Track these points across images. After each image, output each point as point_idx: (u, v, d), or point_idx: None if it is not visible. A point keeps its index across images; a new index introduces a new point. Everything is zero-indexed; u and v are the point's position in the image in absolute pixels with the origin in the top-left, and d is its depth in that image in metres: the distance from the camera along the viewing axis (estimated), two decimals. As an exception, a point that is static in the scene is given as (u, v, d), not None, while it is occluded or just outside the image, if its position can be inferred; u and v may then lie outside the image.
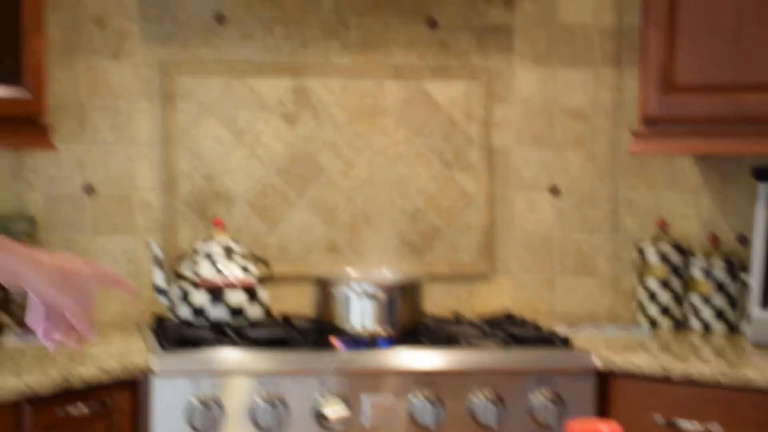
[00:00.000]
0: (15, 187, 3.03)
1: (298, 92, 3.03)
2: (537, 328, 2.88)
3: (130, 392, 2.54)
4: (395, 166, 3.09)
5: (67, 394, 2.40)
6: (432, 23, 3.08)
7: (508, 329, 2.80)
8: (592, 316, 3.19)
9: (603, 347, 2.71)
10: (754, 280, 2.84)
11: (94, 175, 3.02)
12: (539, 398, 2.59)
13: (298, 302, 2.97)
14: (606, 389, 2.65)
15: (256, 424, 2.49)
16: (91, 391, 2.46)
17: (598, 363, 2.62)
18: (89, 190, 3.01)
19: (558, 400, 2.58)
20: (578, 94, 3.20)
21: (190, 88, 3.02)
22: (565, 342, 2.70)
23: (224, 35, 3.02)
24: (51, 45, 2.85)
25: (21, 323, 2.84)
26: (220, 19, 3.01)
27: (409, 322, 2.77)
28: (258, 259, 2.90)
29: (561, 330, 2.86)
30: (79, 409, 2.44)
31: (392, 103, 3.08)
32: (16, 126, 2.73)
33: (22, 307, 2.78)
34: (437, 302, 3.05)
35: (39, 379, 2.36)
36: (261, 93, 3.04)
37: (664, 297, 3.07)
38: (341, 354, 2.61)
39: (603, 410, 2.65)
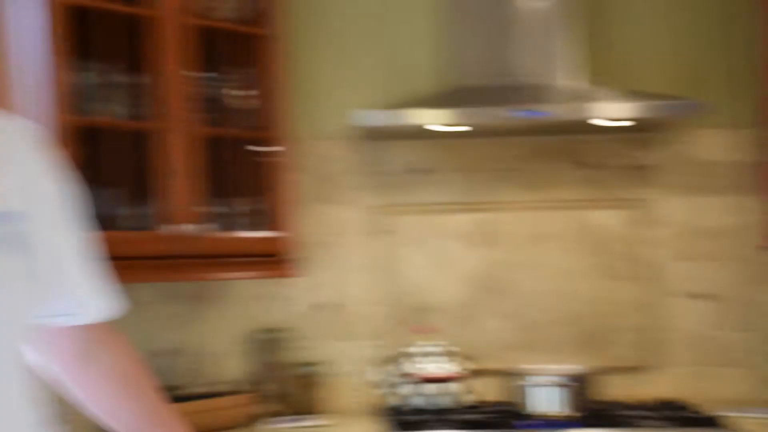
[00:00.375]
0: (267, 306, 3.18)
1: (481, 224, 3.16)
2: (696, 411, 2.82)
3: None
4: (565, 281, 3.18)
5: None
6: (583, 165, 3.18)
7: (674, 413, 2.77)
8: (746, 403, 3.07)
9: (759, 429, 2.63)
10: None
11: (326, 295, 3.18)
12: None
13: (491, 391, 3.04)
14: None
15: None
16: None
17: None
18: (326, 306, 3.15)
19: None
20: (719, 218, 3.23)
21: (398, 225, 3.16)
22: (727, 424, 2.60)
23: (420, 183, 3.15)
24: (294, 198, 3.00)
25: (293, 412, 2.98)
26: (416, 171, 3.17)
27: (587, 408, 2.77)
28: (462, 357, 2.97)
29: (720, 413, 2.77)
30: None
31: (557, 230, 3.19)
32: (266, 260, 2.83)
33: (283, 396, 2.98)
34: (609, 391, 3.04)
35: None
36: (452, 226, 3.15)
37: None
38: None
39: None
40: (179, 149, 2.56)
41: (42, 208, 1.32)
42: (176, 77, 2.59)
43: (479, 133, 3.02)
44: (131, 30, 2.57)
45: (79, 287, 1.39)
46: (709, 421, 2.64)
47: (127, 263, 2.44)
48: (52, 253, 1.34)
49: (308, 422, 2.90)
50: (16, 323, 1.27)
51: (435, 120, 2.75)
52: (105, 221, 2.54)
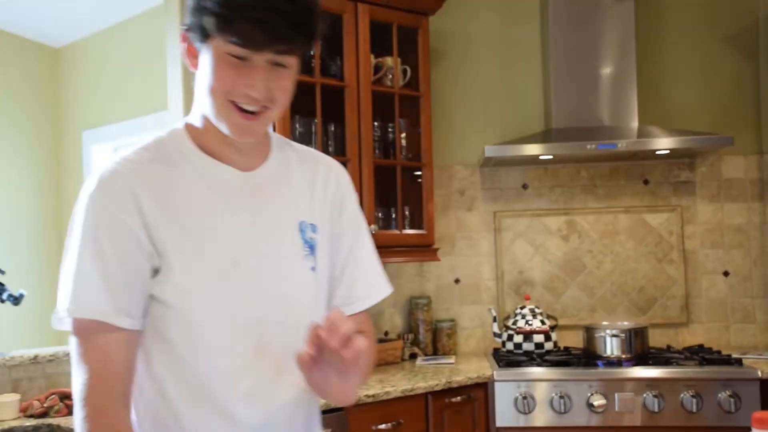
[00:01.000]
0: (420, 280, 3.59)
1: (569, 223, 3.59)
2: (720, 353, 3.19)
3: (483, 390, 2.96)
4: (627, 263, 3.57)
5: (450, 390, 2.86)
6: (646, 182, 3.58)
7: (703, 355, 3.14)
8: (755, 348, 3.44)
9: (764, 365, 2.97)
10: None
11: (460, 273, 3.61)
12: (724, 396, 2.86)
13: (574, 340, 3.47)
14: (767, 391, 2.86)
15: (553, 409, 2.91)
16: (463, 389, 2.90)
17: (760, 374, 2.87)
18: (457, 281, 3.61)
19: (736, 397, 2.84)
20: (737, 218, 3.55)
21: (509, 224, 3.61)
22: (740, 362, 2.99)
23: (527, 195, 3.59)
24: (436, 206, 3.47)
25: (426, 353, 3.36)
26: (524, 186, 3.61)
27: (641, 351, 3.12)
28: (549, 316, 3.41)
29: (735, 355, 3.15)
30: (457, 398, 2.89)
31: (624, 227, 3.57)
32: (420, 249, 3.29)
33: (426, 342, 3.41)
34: (656, 340, 3.46)
35: (436, 382, 2.84)
36: (548, 225, 3.59)
37: None
38: (601, 370, 2.98)
39: (765, 405, 2.81)
40: (365, 174, 3.04)
41: (343, 225, 1.36)
42: (360, 126, 3.06)
43: (569, 159, 3.43)
44: (325, 95, 2.95)
45: (369, 274, 1.41)
46: (728, 360, 3.00)
47: None
48: (350, 254, 1.37)
49: (444, 360, 3.29)
50: (315, 310, 1.28)
51: (536, 152, 3.21)
52: None
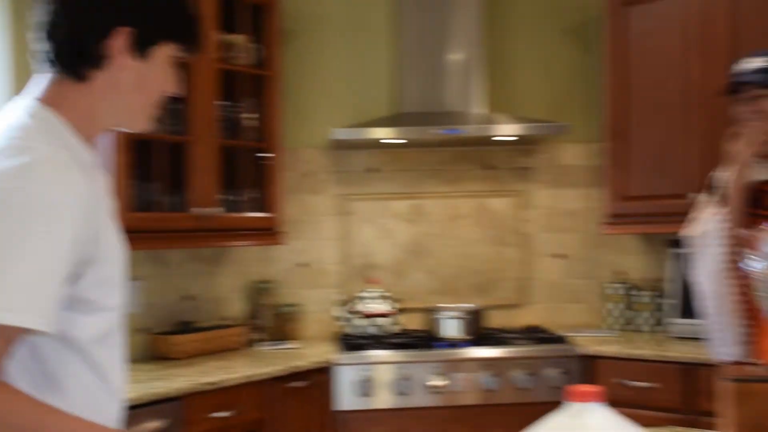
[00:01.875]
0: (264, 264, 3.56)
1: (415, 207, 3.70)
2: (551, 333, 3.36)
3: (326, 374, 3.02)
4: (470, 246, 3.73)
5: (293, 376, 2.91)
6: (490, 167, 3.73)
7: (536, 334, 3.31)
8: (583, 326, 3.63)
9: (590, 342, 3.19)
10: (673, 302, 3.29)
11: (306, 257, 3.65)
12: (554, 372, 3.06)
13: (417, 322, 3.55)
14: (592, 366, 3.08)
15: (394, 391, 3.02)
16: (305, 373, 2.94)
17: (586, 351, 3.09)
18: (303, 265, 3.65)
19: (565, 372, 3.05)
20: (572, 203, 3.75)
21: (357, 208, 3.67)
22: (569, 340, 3.18)
23: (374, 178, 3.69)
24: (283, 189, 3.41)
25: (269, 338, 3.37)
26: (371, 170, 3.69)
27: (479, 332, 3.27)
28: (394, 299, 3.49)
29: (566, 333, 3.32)
30: (299, 383, 2.92)
31: (467, 211, 3.72)
32: (265, 232, 3.31)
33: (269, 328, 3.42)
34: (494, 321, 3.57)
35: (278, 368, 2.88)
36: (394, 209, 3.69)
37: (623, 313, 3.56)
38: (441, 351, 3.12)
39: (590, 379, 3.03)
40: (205, 155, 3.02)
41: None
42: (204, 105, 3.05)
43: (415, 144, 3.53)
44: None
45: None
46: (559, 339, 3.19)
47: (167, 235, 2.92)
48: None
49: (286, 345, 3.32)
50: None
51: (384, 135, 3.30)
52: (152, 205, 2.93)
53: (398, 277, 3.70)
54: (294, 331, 3.57)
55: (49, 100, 1.24)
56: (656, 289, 3.51)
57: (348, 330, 3.40)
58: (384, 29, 3.67)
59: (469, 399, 3.08)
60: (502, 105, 3.60)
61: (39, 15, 1.24)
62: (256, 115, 3.34)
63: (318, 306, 3.65)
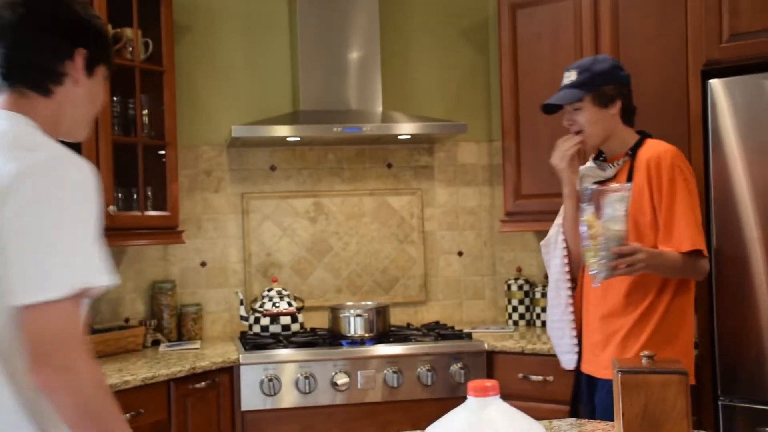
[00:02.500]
0: (163, 264, 3.59)
1: (316, 205, 3.73)
2: (453, 329, 3.42)
3: (229, 374, 3.01)
4: (372, 244, 3.78)
5: (194, 377, 2.88)
6: (389, 165, 3.79)
7: (438, 331, 3.35)
8: (483, 322, 3.77)
9: (490, 338, 3.26)
10: None
11: (206, 256, 3.64)
12: (455, 368, 3.10)
13: (320, 321, 3.59)
14: (492, 361, 3.14)
15: (298, 390, 3.02)
16: (207, 374, 2.92)
17: (486, 347, 3.14)
18: (203, 264, 3.64)
19: (466, 368, 3.09)
20: (471, 201, 3.84)
21: (257, 206, 3.68)
22: (470, 336, 3.25)
23: (275, 177, 3.69)
24: (181, 187, 3.46)
25: (170, 339, 3.35)
26: (272, 168, 3.70)
27: (382, 330, 3.29)
28: (297, 298, 3.51)
29: (467, 330, 3.41)
30: (201, 384, 2.91)
31: (369, 209, 3.78)
32: (163, 231, 3.31)
33: (169, 328, 3.40)
34: (397, 318, 3.68)
35: (179, 369, 2.85)
36: (296, 207, 3.71)
37: (521, 309, 3.66)
38: (345, 349, 3.14)
39: (490, 374, 3.12)
40: (102, 152, 2.99)
41: None
42: None
43: (315, 142, 3.55)
44: None
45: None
46: (461, 335, 3.23)
47: None
48: None
49: (189, 346, 3.29)
50: None
51: (283, 133, 3.29)
52: None
53: (301, 275, 3.72)
54: (196, 331, 3.55)
55: (21, 111, 1.41)
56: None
57: (251, 329, 3.40)
58: (282, 25, 3.66)
59: (373, 396, 3.10)
60: (400, 103, 3.64)
61: None
62: (152, 112, 3.32)
63: (220, 306, 3.65)
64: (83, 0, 1.49)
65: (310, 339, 3.24)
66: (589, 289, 2.40)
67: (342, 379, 3.06)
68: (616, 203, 2.04)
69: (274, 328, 3.34)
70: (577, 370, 2.44)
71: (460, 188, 3.84)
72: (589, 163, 2.47)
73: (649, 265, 2.16)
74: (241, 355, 3.04)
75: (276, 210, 3.70)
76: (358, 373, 3.08)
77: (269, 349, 3.10)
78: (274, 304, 3.36)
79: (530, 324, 3.67)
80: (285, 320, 3.35)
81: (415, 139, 3.59)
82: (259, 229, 3.69)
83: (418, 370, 3.12)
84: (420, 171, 3.81)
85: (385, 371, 3.10)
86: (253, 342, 3.21)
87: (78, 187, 1.30)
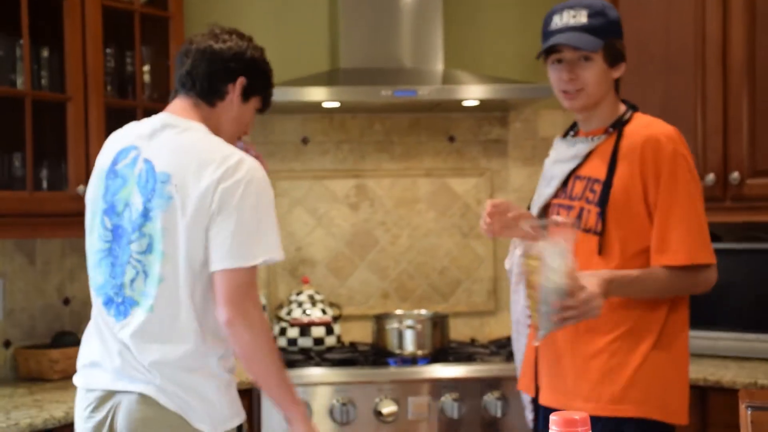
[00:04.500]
0: None
1: (359, 188, 3.63)
2: None
3: (246, 399, 2.83)
4: (427, 238, 3.66)
5: None
6: (451, 139, 3.67)
7: (510, 349, 3.09)
8: None
9: None
10: None
11: None
12: None
13: (361, 333, 3.50)
14: None
15: (334, 420, 2.95)
16: None
17: None
18: None
19: None
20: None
21: (286, 188, 3.59)
22: None
23: (308, 152, 3.59)
24: None
25: None
26: (305, 141, 3.59)
27: (440, 346, 3.22)
28: (333, 304, 3.41)
29: None
30: None
31: (424, 194, 3.67)
32: None
33: None
34: (459, 332, 3.55)
35: None
36: (333, 190, 3.61)
37: None
38: (392, 369, 3.06)
39: None
40: (92, 117, 2.88)
41: None
42: (86, 53, 2.88)
43: (360, 108, 3.45)
44: (35, 5, 2.80)
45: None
46: None
47: (38, 220, 2.79)
48: None
49: None
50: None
51: (319, 97, 3.18)
52: (15, 182, 2.83)
53: (338, 276, 3.64)
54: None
55: (198, 119, 2.07)
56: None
57: (275, 342, 3.12)
58: (318, -36, 3.59)
59: (427, 428, 3.03)
60: (466, 62, 3.52)
61: (184, 62, 2.09)
62: (152, 67, 3.23)
63: None
64: (259, 47, 2.18)
65: (348, 356, 3.19)
66: None
67: (388, 408, 2.99)
68: (556, 256, 1.98)
69: (304, 342, 3.29)
70: (535, 403, 2.35)
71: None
72: (557, 140, 2.43)
73: (618, 297, 2.12)
74: (262, 375, 2.93)
75: (309, 193, 3.61)
76: (409, 399, 3.01)
77: (298, 367, 3.04)
78: (304, 312, 3.31)
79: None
80: (318, 332, 3.30)
81: (484, 105, 3.44)
82: (287, 217, 3.59)
83: (485, 397, 3.05)
84: (490, 146, 3.67)
85: (443, 398, 3.02)
86: (284, 359, 3.03)
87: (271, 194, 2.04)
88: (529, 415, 2.38)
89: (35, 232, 2.90)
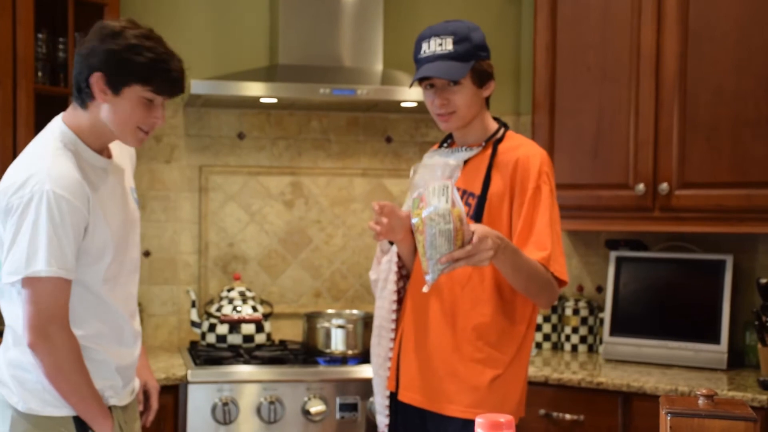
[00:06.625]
0: None
1: (294, 186, 3.61)
2: None
3: (173, 395, 2.90)
4: (362, 237, 3.66)
5: None
6: (389, 139, 3.68)
7: None
8: None
9: None
10: (606, 316, 3.31)
11: (151, 243, 3.50)
12: None
13: (292, 332, 3.51)
14: None
15: (261, 418, 2.94)
16: (145, 394, 2.54)
17: None
18: (147, 254, 3.50)
19: None
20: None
21: (219, 183, 3.56)
22: None
23: (243, 147, 3.56)
24: None
25: None
26: (241, 136, 3.56)
27: (370, 346, 2.94)
28: (264, 302, 3.41)
29: None
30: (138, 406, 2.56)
31: (360, 194, 3.67)
32: None
33: None
34: None
35: None
36: (268, 186, 3.58)
37: (546, 328, 3.55)
38: (322, 368, 3.06)
39: None
40: (21, 104, 2.88)
41: None
42: (15, 38, 2.88)
43: (298, 105, 3.45)
44: None
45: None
46: None
47: None
48: None
49: None
50: None
51: (258, 92, 3.17)
52: None
53: (270, 273, 3.63)
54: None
55: (79, 121, 2.10)
56: (590, 300, 3.53)
57: (204, 338, 3.32)
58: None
59: (355, 429, 3.04)
60: (404, 63, 3.41)
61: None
62: None
63: (166, 307, 3.55)
64: (141, 35, 2.04)
65: (278, 354, 3.19)
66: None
67: (316, 407, 3.00)
68: (440, 194, 2.03)
69: (234, 339, 3.27)
70: (393, 399, 2.46)
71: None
72: (430, 154, 2.48)
73: (503, 264, 2.18)
74: (189, 371, 2.96)
75: (243, 189, 3.58)
76: (337, 399, 3.03)
77: (226, 364, 3.04)
78: (234, 309, 3.29)
79: (557, 347, 3.56)
80: (248, 329, 3.28)
81: (422, 107, 3.27)
82: (220, 213, 3.58)
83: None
84: (427, 148, 3.46)
85: (371, 398, 2.98)
86: (205, 355, 3.15)
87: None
88: (384, 420, 2.48)
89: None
